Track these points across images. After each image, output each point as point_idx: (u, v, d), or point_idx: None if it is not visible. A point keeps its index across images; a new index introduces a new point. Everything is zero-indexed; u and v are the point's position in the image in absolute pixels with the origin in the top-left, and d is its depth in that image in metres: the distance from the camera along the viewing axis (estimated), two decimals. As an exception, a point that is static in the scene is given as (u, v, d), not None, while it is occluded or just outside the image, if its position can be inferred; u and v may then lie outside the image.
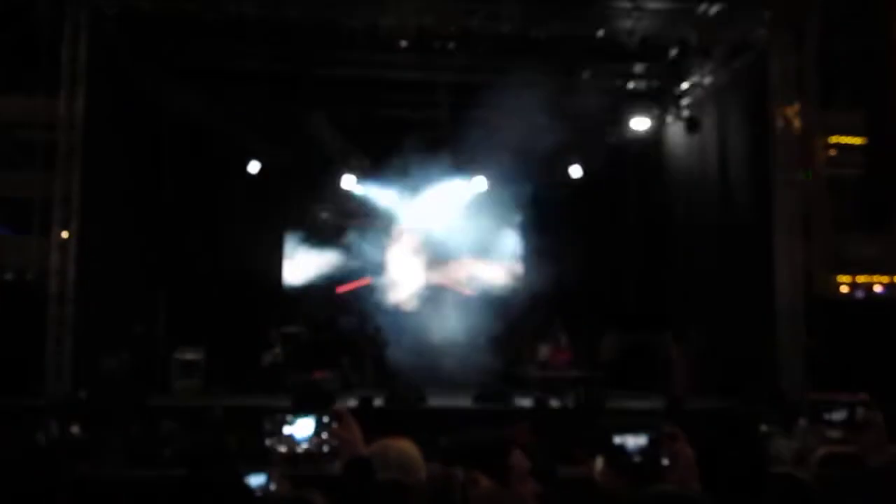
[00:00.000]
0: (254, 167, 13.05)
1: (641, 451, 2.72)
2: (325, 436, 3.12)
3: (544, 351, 12.17)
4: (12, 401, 8.74)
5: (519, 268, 14.36)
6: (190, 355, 11.20)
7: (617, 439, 2.79)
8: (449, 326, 12.53)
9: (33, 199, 10.13)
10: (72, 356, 9.91)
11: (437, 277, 14.04)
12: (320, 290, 13.85)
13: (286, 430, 8.21)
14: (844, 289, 10.88)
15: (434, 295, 13.82)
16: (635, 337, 12.39)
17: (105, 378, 10.15)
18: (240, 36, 10.36)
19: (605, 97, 11.82)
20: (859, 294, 10.93)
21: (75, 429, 7.78)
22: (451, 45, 10.58)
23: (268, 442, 7.73)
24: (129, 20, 10.32)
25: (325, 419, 3.10)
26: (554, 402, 10.05)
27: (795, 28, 10.52)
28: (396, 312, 13.50)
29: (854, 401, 3.93)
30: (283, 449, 6.84)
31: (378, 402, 9.53)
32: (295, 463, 3.14)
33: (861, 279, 10.92)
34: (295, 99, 11.80)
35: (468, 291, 13.93)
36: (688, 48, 10.75)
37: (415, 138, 12.25)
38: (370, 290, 13.80)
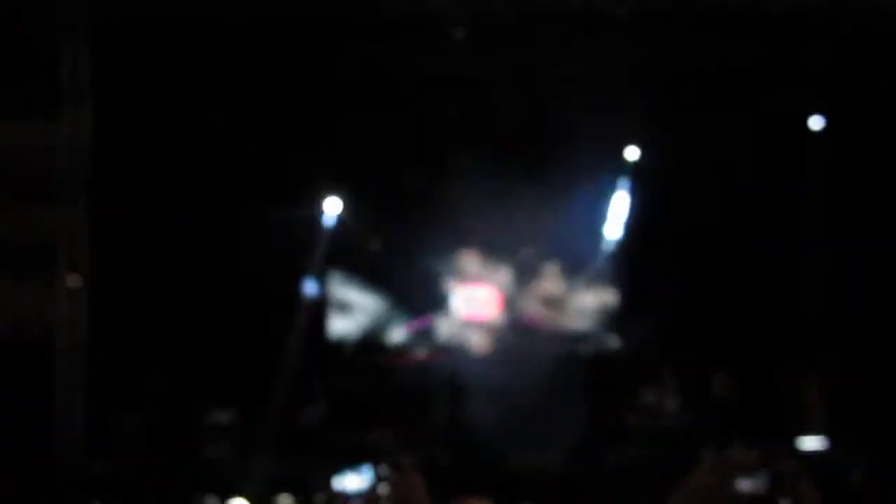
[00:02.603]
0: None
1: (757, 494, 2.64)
2: (382, 490, 3.09)
3: (648, 395, 12.11)
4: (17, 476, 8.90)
5: (614, 294, 14.15)
6: (221, 416, 11.34)
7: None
8: (532, 369, 12.34)
9: (32, 239, 10.38)
10: (84, 421, 10.01)
11: (516, 310, 13.90)
12: (372, 338, 13.79)
13: (336, 483, 8.57)
14: None
15: (513, 332, 13.70)
16: (757, 371, 12.20)
17: (124, 446, 10.33)
18: (262, 35, 10.52)
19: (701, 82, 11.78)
20: None
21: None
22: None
23: (317, 499, 8.11)
24: (137, 26, 10.53)
25: (384, 471, 3.12)
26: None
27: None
28: (469, 355, 13.42)
29: None
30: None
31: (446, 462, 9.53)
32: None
33: None
34: (330, 105, 11.94)
35: (554, 325, 13.76)
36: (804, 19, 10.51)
37: (479, 143, 12.26)
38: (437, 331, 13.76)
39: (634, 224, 13.52)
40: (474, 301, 13.72)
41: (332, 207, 13.41)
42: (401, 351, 13.53)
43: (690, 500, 2.34)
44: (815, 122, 12.33)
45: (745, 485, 2.56)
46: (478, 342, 13.42)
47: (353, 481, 8.13)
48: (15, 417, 9.54)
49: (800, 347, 12.07)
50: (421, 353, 13.41)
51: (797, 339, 12.25)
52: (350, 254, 13.70)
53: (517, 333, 13.47)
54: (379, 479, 3.06)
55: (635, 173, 13.58)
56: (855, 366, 11.09)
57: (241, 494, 9.57)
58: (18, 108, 10.42)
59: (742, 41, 11.07)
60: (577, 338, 13.25)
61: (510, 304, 13.70)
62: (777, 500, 2.66)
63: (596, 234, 13.64)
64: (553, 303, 13.79)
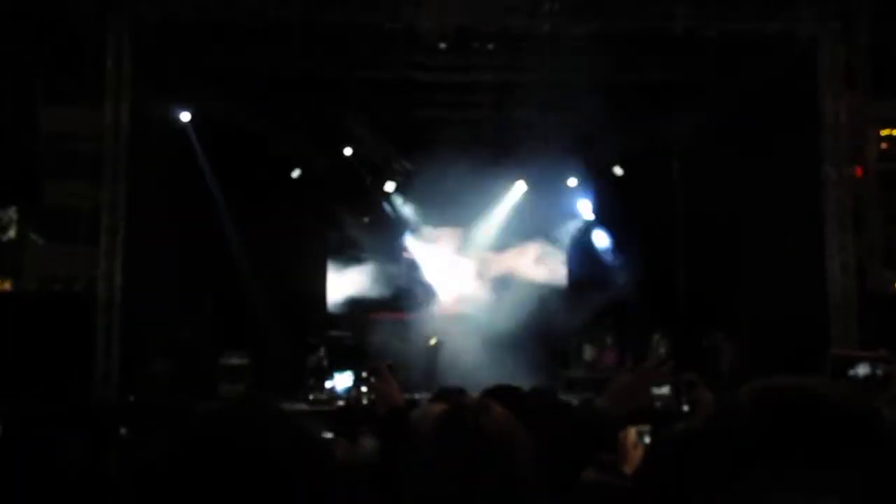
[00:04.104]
0: (295, 174, 14.74)
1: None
2: (363, 389, 3.61)
3: (590, 351, 13.63)
4: (63, 406, 10.30)
5: (563, 266, 15.92)
6: (235, 360, 12.85)
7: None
8: (497, 326, 13.91)
9: (80, 208, 11.74)
10: (119, 362, 11.52)
11: (483, 276, 15.60)
12: (362, 299, 15.57)
13: (327, 384, 10.61)
14: (898, 284, 12.17)
15: (482, 295, 15.42)
16: (684, 336, 13.55)
17: (152, 383, 11.69)
18: (282, 41, 11.94)
19: (647, 93, 13.16)
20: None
21: (123, 431, 9.37)
22: (491, 45, 12.14)
23: (310, 396, 10.29)
24: (171, 28, 11.88)
25: (364, 374, 3.46)
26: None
27: (844, 17, 11.66)
28: (443, 314, 15.10)
29: (876, 356, 4.76)
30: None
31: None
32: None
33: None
34: (336, 103, 13.40)
35: (517, 292, 15.32)
36: (732, 40, 11.66)
37: (455, 138, 13.75)
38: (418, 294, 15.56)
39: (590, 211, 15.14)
40: (449, 267, 15.41)
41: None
42: (386, 310, 15.21)
43: (615, 395, 2.60)
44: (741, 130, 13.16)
45: (656, 387, 3.05)
46: (451, 303, 15.08)
47: (340, 382, 9.23)
48: (62, 356, 11.00)
49: (716, 321, 13.47)
50: (403, 312, 15.13)
51: (715, 314, 13.71)
52: (344, 231, 15.44)
53: (486, 297, 15.09)
54: (361, 380, 3.61)
55: (586, 169, 15.14)
56: (756, 337, 12.41)
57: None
58: (70, 98, 11.79)
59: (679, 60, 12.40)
60: (534, 305, 14.85)
61: (480, 271, 15.33)
62: (679, 400, 3.29)
63: (555, 216, 15.24)
64: (516, 273, 15.39)
